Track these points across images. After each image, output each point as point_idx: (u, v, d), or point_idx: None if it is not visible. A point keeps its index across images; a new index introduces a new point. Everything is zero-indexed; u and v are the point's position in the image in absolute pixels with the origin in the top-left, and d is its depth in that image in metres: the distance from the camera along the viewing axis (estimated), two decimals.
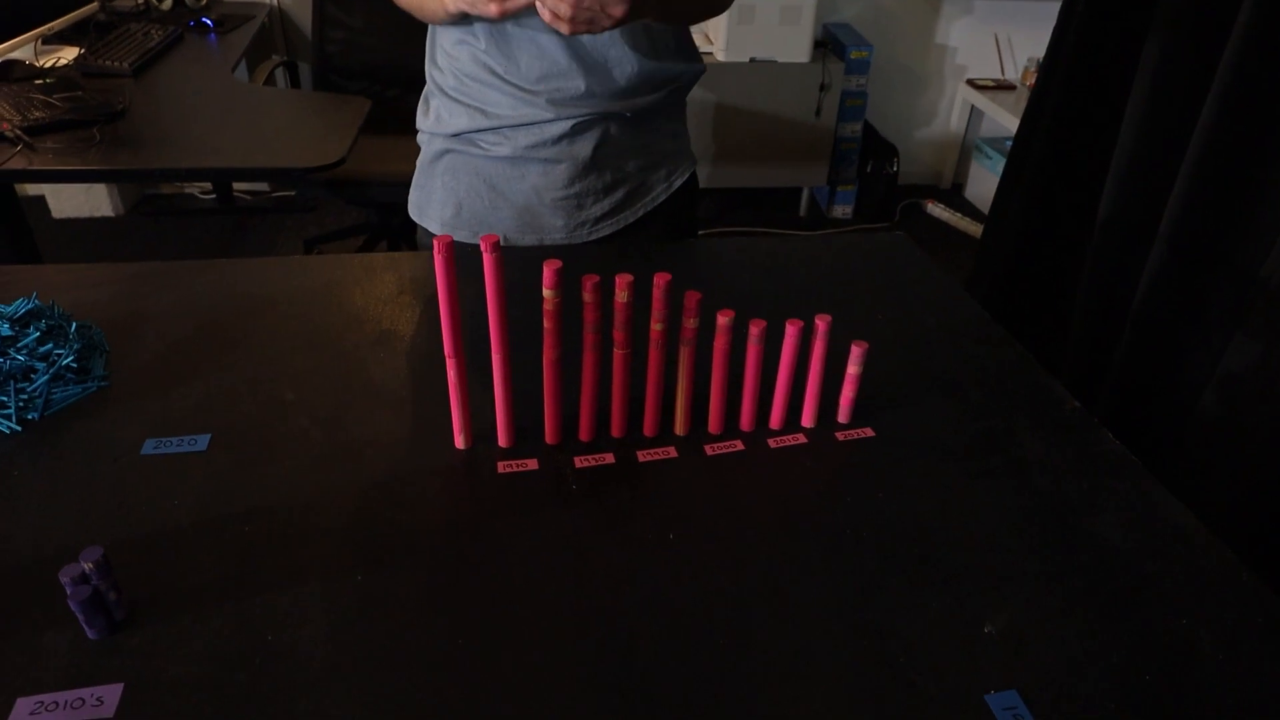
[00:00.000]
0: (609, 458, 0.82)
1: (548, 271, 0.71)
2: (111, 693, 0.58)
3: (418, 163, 1.25)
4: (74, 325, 0.91)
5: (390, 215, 2.80)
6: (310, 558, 0.70)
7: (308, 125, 2.04)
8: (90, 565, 0.61)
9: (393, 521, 0.74)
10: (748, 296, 1.08)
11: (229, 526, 0.73)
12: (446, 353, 0.77)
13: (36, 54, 2.25)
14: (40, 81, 2.03)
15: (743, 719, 0.60)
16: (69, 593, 0.60)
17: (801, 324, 0.81)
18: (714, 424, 0.86)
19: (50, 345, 0.86)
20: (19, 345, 0.85)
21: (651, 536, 0.74)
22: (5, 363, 0.83)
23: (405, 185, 1.28)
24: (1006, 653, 0.65)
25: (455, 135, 1.16)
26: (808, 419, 0.87)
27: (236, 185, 3.43)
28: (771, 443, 0.85)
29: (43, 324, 0.88)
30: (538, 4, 0.92)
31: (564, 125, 1.12)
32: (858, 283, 1.13)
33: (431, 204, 1.22)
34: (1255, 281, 1.28)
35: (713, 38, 3.22)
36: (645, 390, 0.83)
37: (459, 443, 0.83)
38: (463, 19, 1.05)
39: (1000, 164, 2.97)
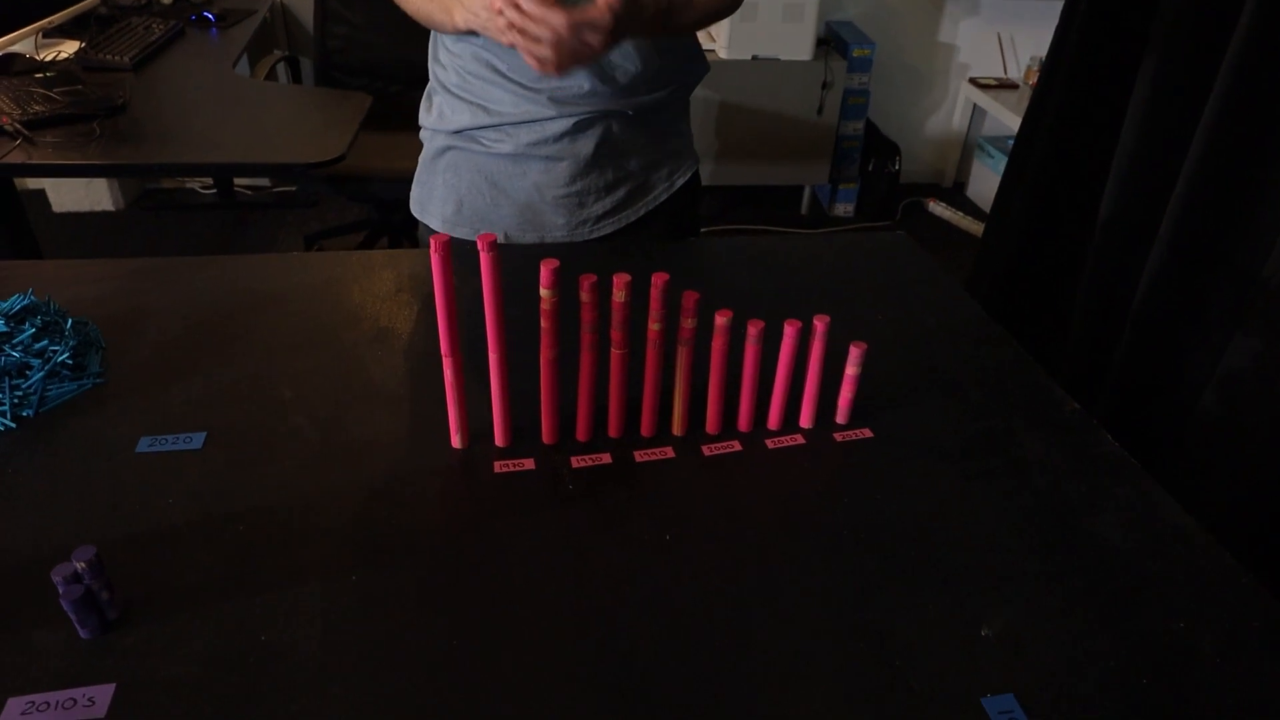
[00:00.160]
0: (606, 458, 0.82)
1: (545, 271, 0.71)
2: (103, 693, 0.58)
3: (420, 159, 1.25)
4: (70, 321, 0.90)
5: (391, 211, 2.79)
6: (305, 557, 0.70)
7: (309, 121, 2.03)
8: (83, 564, 0.60)
9: (389, 521, 0.74)
10: (748, 296, 1.08)
11: (224, 525, 0.72)
12: (443, 352, 0.76)
13: (37, 47, 2.25)
14: (40, 75, 2.03)
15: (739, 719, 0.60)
16: (61, 592, 0.60)
17: (800, 324, 0.81)
18: (712, 424, 0.86)
19: (46, 342, 0.86)
20: (14, 341, 0.85)
21: (649, 537, 0.74)
22: (0, 359, 0.83)
23: (406, 181, 1.28)
24: (1004, 655, 0.65)
25: (457, 132, 1.16)
26: (806, 419, 0.87)
27: (237, 180, 3.42)
28: (769, 443, 0.85)
29: (38, 320, 0.87)
30: (524, 56, 0.92)
31: (566, 123, 1.11)
32: (858, 282, 1.13)
33: (433, 201, 1.22)
34: (1255, 281, 1.28)
35: (715, 35, 3.21)
36: (643, 390, 0.83)
37: (456, 442, 0.82)
38: (470, 30, 1.04)
39: (1002, 163, 2.96)
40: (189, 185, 3.48)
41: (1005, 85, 3.54)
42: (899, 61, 3.60)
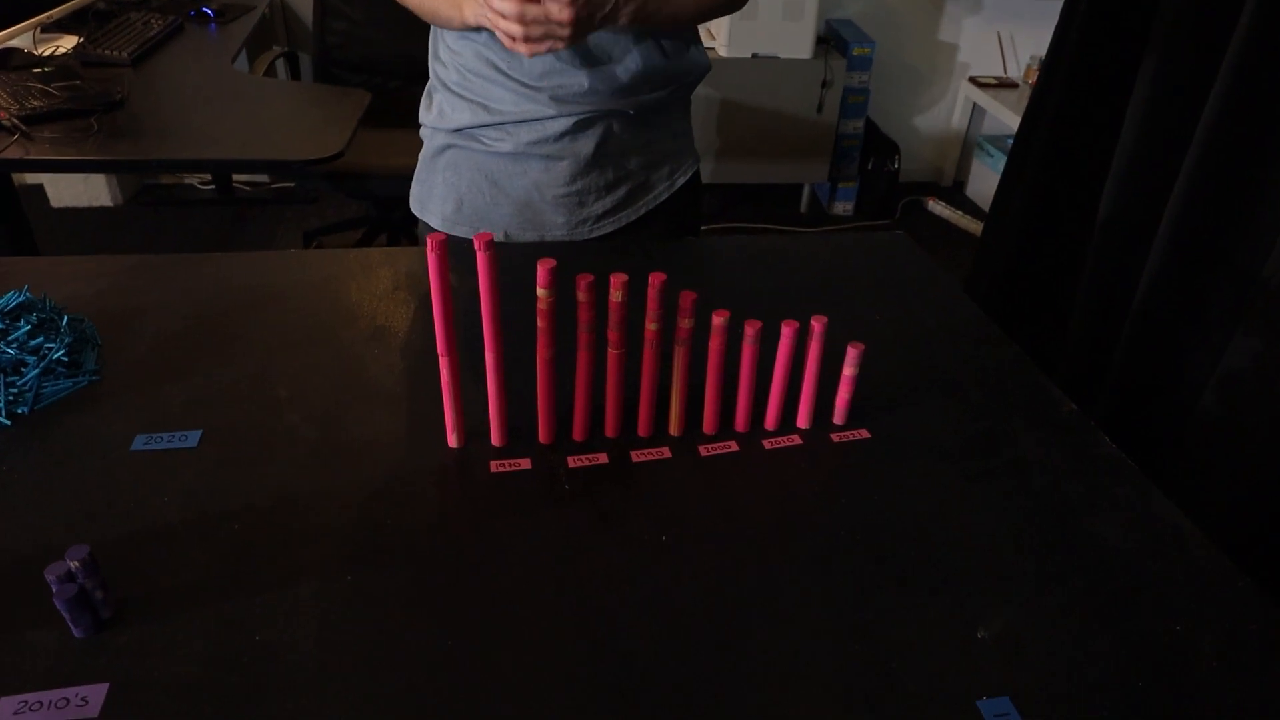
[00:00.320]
0: (602, 458, 0.82)
1: (542, 270, 0.70)
2: (96, 692, 0.58)
3: (420, 157, 1.24)
4: (65, 319, 0.90)
5: (390, 209, 2.79)
6: (301, 556, 0.70)
7: (307, 117, 2.03)
8: (76, 563, 0.60)
9: (385, 520, 0.74)
10: (746, 295, 1.08)
11: (219, 524, 0.72)
12: (440, 351, 0.76)
13: (35, 42, 2.24)
14: (38, 70, 2.02)
15: None
16: (54, 591, 0.59)
17: (797, 325, 0.81)
18: (708, 424, 0.85)
19: (41, 339, 0.86)
20: (9, 339, 0.84)
21: (646, 537, 0.73)
22: None
23: (405, 179, 1.28)
24: (1001, 656, 0.65)
25: (457, 130, 1.16)
26: (803, 420, 0.87)
27: (236, 177, 3.42)
28: (766, 444, 0.85)
29: (34, 317, 0.87)
30: (499, 35, 0.96)
31: (566, 122, 1.11)
32: (857, 281, 1.12)
33: (433, 199, 1.22)
34: (1255, 281, 1.28)
35: (715, 33, 3.21)
36: (639, 390, 0.82)
37: (452, 441, 0.82)
38: (478, 26, 1.04)
39: (1002, 162, 2.96)
40: (187, 181, 3.47)
41: (1005, 84, 3.54)
42: (899, 60, 3.60)
